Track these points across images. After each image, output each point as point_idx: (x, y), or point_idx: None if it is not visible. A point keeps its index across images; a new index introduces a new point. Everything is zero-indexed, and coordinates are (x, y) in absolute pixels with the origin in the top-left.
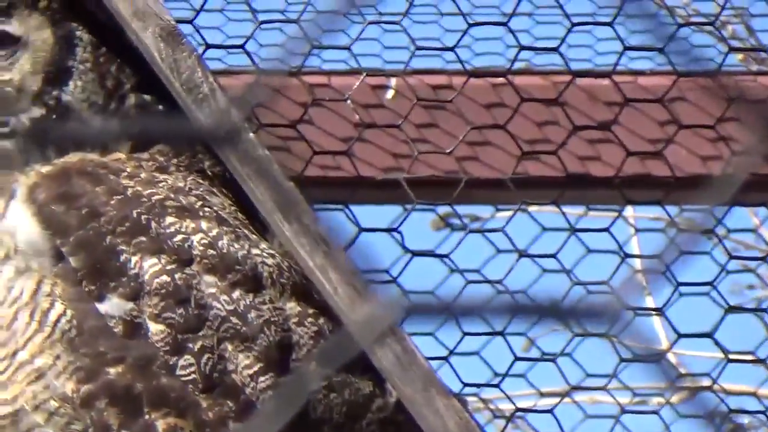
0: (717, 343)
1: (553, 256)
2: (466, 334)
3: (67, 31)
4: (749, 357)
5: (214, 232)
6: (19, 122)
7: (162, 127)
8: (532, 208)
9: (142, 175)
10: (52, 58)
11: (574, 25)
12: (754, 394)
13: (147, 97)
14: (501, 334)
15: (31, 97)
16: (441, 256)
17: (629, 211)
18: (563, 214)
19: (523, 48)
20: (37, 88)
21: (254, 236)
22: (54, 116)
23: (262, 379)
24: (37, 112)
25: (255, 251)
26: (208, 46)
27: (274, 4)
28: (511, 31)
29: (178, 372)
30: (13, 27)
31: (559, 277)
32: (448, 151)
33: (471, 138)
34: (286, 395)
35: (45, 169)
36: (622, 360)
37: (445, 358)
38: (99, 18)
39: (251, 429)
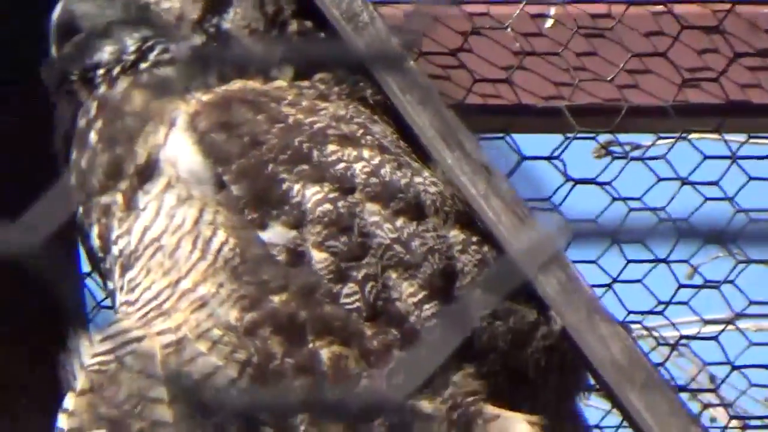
0: None
1: (716, 183)
2: (629, 261)
3: None
4: None
5: (376, 160)
6: (179, 50)
7: (325, 53)
8: (693, 136)
9: (304, 103)
10: None
11: None
12: None
13: (308, 23)
14: (664, 261)
15: (192, 24)
16: (602, 184)
17: None
18: (724, 141)
19: None
20: (197, 16)
21: (416, 164)
22: (214, 44)
23: (426, 307)
24: (198, 39)
25: (417, 179)
26: None
27: None
28: None
29: (342, 300)
30: None
31: (721, 204)
32: (608, 79)
33: (631, 66)
34: (451, 324)
35: (206, 97)
36: None
37: (608, 286)
38: None
39: (417, 358)
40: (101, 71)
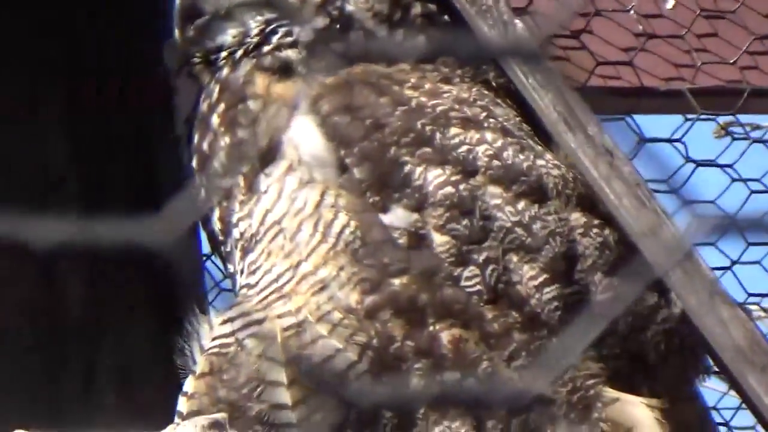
0: None
1: None
2: (750, 244)
3: None
4: None
5: (499, 143)
6: (303, 32)
7: (451, 39)
8: None
9: (427, 86)
10: None
11: None
12: None
13: (432, 6)
14: None
15: (315, 7)
16: (723, 166)
17: None
18: None
19: None
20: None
21: (539, 147)
22: (337, 26)
23: (547, 290)
24: (321, 22)
25: (540, 162)
26: None
27: None
28: None
29: (463, 283)
30: None
31: None
32: (731, 61)
33: (753, 48)
34: (590, 318)
35: (328, 79)
36: None
37: (728, 268)
38: None
39: (559, 349)
40: (224, 54)
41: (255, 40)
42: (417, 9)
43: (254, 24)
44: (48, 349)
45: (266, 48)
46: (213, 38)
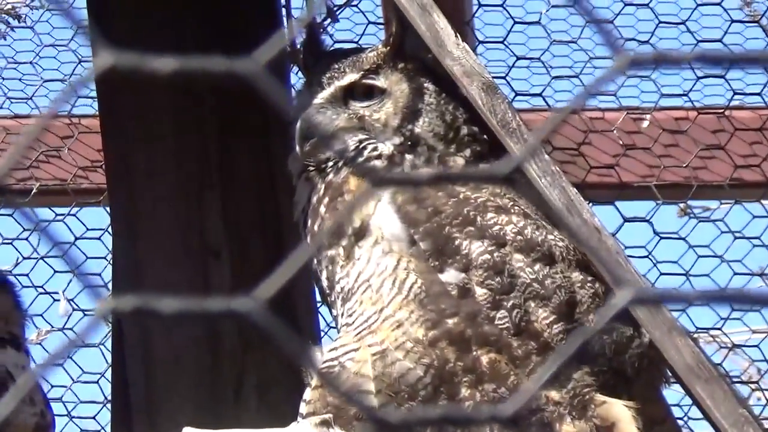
0: None
1: (758, 237)
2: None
3: (418, 83)
4: None
5: (521, 223)
6: (385, 147)
7: (466, 172)
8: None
9: (471, 184)
10: (407, 102)
11: None
12: None
13: (475, 128)
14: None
15: (393, 129)
16: (682, 238)
17: None
18: (763, 206)
19: None
20: (397, 124)
21: (549, 226)
22: (408, 143)
23: (555, 327)
24: (397, 140)
25: (550, 237)
26: (517, 94)
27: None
28: None
29: (497, 322)
30: (380, 82)
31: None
32: (685, 164)
33: (702, 154)
34: (572, 337)
35: None
36: None
37: (683, 310)
38: (440, 73)
39: (552, 359)
40: (330, 164)
41: (352, 153)
42: (464, 130)
43: (352, 142)
44: (209, 369)
45: (359, 159)
46: (323, 152)
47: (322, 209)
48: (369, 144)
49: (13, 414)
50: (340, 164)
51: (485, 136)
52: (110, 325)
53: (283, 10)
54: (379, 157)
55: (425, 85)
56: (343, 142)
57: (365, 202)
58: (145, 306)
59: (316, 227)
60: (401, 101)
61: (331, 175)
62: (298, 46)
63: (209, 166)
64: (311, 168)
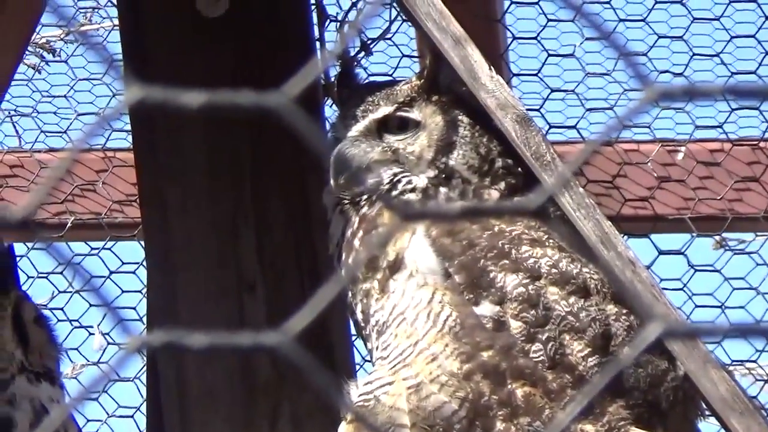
0: None
1: None
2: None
3: (452, 115)
4: None
5: (556, 256)
6: (420, 180)
7: (498, 205)
8: None
9: (505, 217)
10: (442, 135)
11: None
12: None
13: (509, 160)
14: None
15: (428, 162)
16: (717, 270)
17: None
18: None
19: None
20: (431, 157)
21: (584, 259)
22: (443, 175)
23: (590, 359)
24: (431, 173)
25: (585, 269)
26: (552, 127)
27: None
28: None
29: (531, 355)
30: (414, 114)
31: None
32: (719, 197)
33: (736, 187)
34: (607, 369)
35: None
36: None
37: (718, 342)
38: (474, 105)
39: (586, 392)
40: (365, 197)
41: (387, 186)
42: (499, 163)
43: (386, 175)
44: (244, 403)
45: (394, 192)
46: (357, 186)
47: (356, 242)
48: (403, 177)
49: None
50: (374, 197)
51: (519, 169)
52: (145, 359)
53: (317, 43)
54: (413, 190)
55: (459, 117)
56: (377, 176)
57: (398, 234)
58: (176, 341)
59: (350, 260)
60: (435, 134)
61: (365, 208)
62: (332, 79)
63: (244, 201)
64: (346, 201)
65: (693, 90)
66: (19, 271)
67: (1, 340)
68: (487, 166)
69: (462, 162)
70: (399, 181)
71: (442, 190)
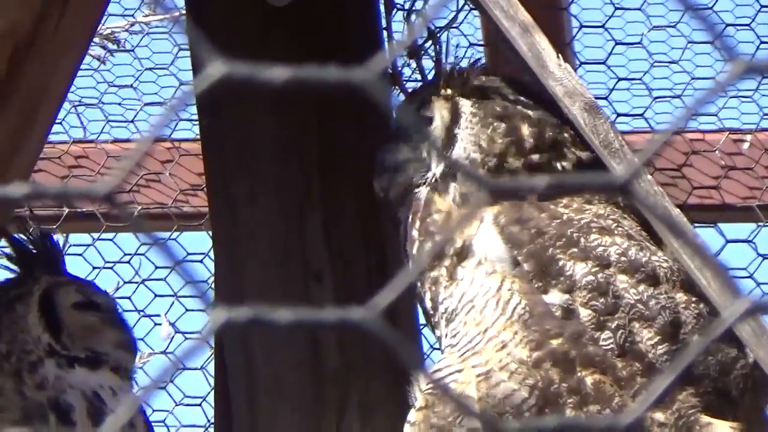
0: None
1: None
2: None
3: (456, 109)
4: None
5: (625, 245)
6: (435, 174)
7: (583, 179)
8: None
9: (574, 205)
10: (447, 129)
11: None
12: None
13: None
14: None
15: (437, 157)
16: None
17: None
18: None
19: None
20: (439, 151)
21: (653, 247)
22: (449, 169)
23: (660, 347)
24: (442, 167)
25: (654, 258)
26: (619, 115)
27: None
28: None
29: (601, 343)
30: (430, 112)
31: None
32: None
33: None
34: (675, 360)
35: (506, 202)
36: None
37: None
38: (543, 95)
39: (662, 377)
40: (415, 189)
41: (415, 182)
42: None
43: (413, 173)
44: (312, 392)
45: (419, 189)
46: (392, 185)
47: (415, 233)
48: (425, 173)
49: None
50: (420, 187)
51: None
52: (212, 348)
53: (384, 33)
54: (431, 184)
55: (463, 110)
56: (407, 174)
57: (468, 222)
58: (262, 317)
59: (414, 250)
60: (442, 129)
61: (416, 197)
62: (399, 69)
63: (311, 190)
64: (393, 194)
65: None
66: (60, 258)
67: (26, 324)
68: (496, 160)
69: (464, 156)
70: (423, 176)
71: (452, 184)
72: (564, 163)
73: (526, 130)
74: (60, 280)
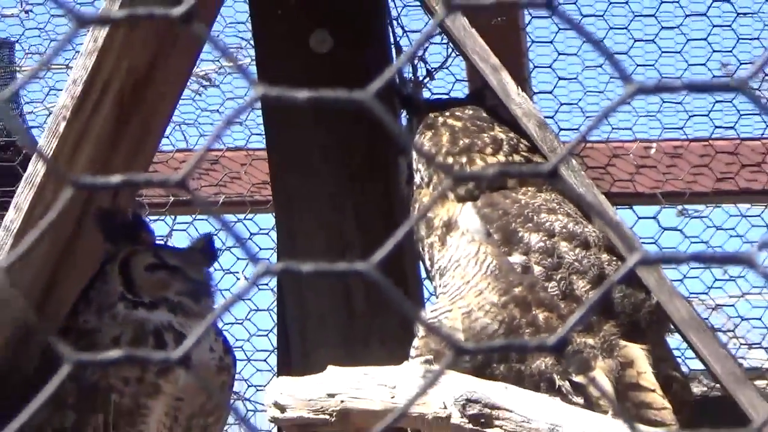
0: None
1: None
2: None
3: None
4: None
5: (566, 220)
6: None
7: (521, 169)
8: None
9: (530, 193)
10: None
11: None
12: None
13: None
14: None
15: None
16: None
17: None
18: None
19: None
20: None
21: (585, 222)
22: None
23: (591, 293)
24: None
25: (586, 229)
26: (561, 130)
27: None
28: None
29: (549, 290)
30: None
31: None
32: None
33: None
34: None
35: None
36: None
37: (681, 280)
38: (504, 115)
39: (582, 306)
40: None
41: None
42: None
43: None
44: (345, 327)
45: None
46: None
47: (414, 212)
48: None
49: (198, 354)
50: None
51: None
52: (275, 294)
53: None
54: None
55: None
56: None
57: (450, 204)
58: (290, 267)
59: (423, 232)
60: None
61: (415, 192)
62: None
63: (347, 182)
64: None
65: (663, 85)
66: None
67: (110, 278)
68: (409, 173)
69: (404, 167)
70: (421, 179)
71: (433, 182)
72: (473, 168)
73: (444, 137)
74: (138, 248)
